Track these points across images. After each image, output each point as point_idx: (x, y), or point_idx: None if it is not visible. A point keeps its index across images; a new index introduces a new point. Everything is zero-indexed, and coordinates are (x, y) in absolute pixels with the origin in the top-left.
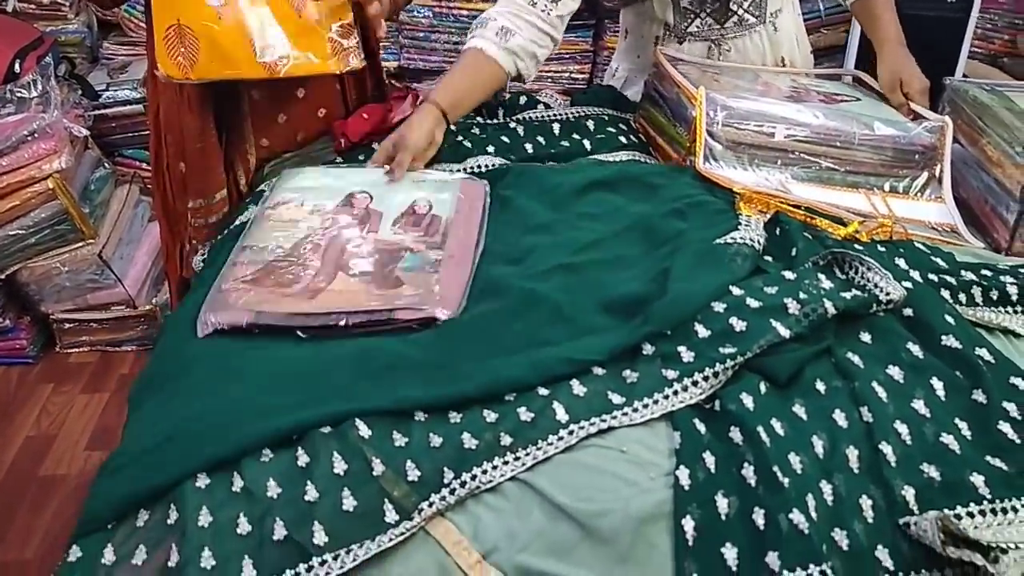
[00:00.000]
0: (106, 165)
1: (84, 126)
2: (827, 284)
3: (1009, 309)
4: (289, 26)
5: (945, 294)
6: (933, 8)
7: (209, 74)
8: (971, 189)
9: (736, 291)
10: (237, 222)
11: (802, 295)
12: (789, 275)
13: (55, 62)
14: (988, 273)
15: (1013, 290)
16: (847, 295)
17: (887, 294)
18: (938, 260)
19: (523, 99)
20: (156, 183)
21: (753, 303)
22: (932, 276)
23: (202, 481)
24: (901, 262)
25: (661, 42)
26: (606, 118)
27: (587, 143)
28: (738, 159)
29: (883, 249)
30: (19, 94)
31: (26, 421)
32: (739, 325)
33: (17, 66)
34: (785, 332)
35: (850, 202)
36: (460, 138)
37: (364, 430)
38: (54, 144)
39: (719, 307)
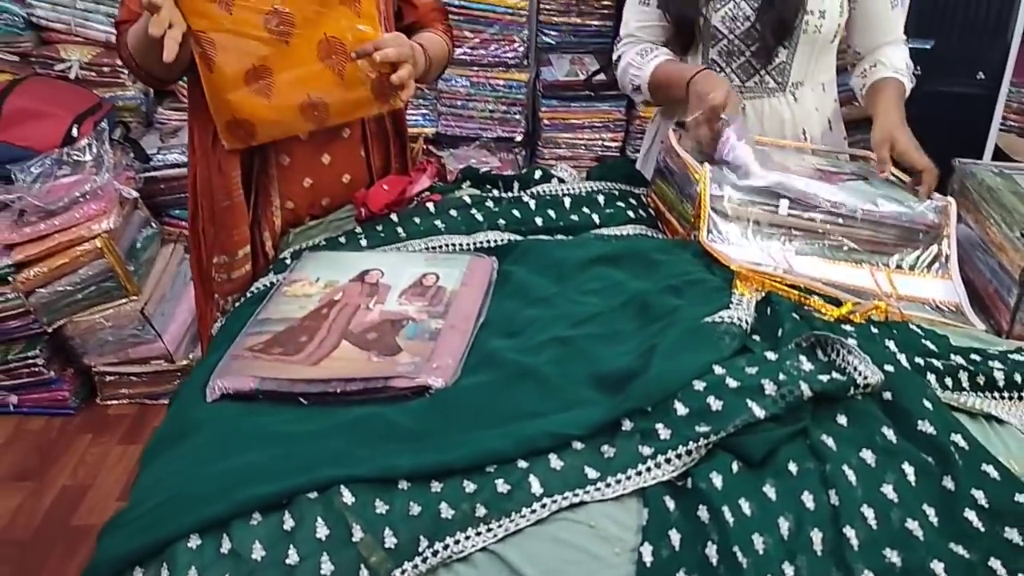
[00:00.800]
0: (153, 225)
1: (135, 188)
2: (807, 366)
3: (996, 394)
4: (333, 88)
5: (931, 378)
6: (963, 84)
7: (267, 139)
8: (977, 270)
9: (718, 370)
10: (256, 288)
11: (781, 376)
12: (771, 356)
13: (111, 126)
14: (977, 358)
15: (1000, 375)
16: (824, 378)
17: (865, 378)
18: (929, 343)
19: (538, 173)
20: (192, 244)
21: (732, 383)
22: (920, 359)
23: (194, 542)
24: (891, 344)
25: None
26: (616, 193)
27: (596, 217)
28: (742, 234)
29: (876, 330)
30: (75, 157)
31: (63, 471)
32: (716, 404)
33: (75, 130)
34: (760, 412)
35: (854, 278)
36: (474, 211)
37: (348, 496)
38: (104, 205)
39: (699, 386)
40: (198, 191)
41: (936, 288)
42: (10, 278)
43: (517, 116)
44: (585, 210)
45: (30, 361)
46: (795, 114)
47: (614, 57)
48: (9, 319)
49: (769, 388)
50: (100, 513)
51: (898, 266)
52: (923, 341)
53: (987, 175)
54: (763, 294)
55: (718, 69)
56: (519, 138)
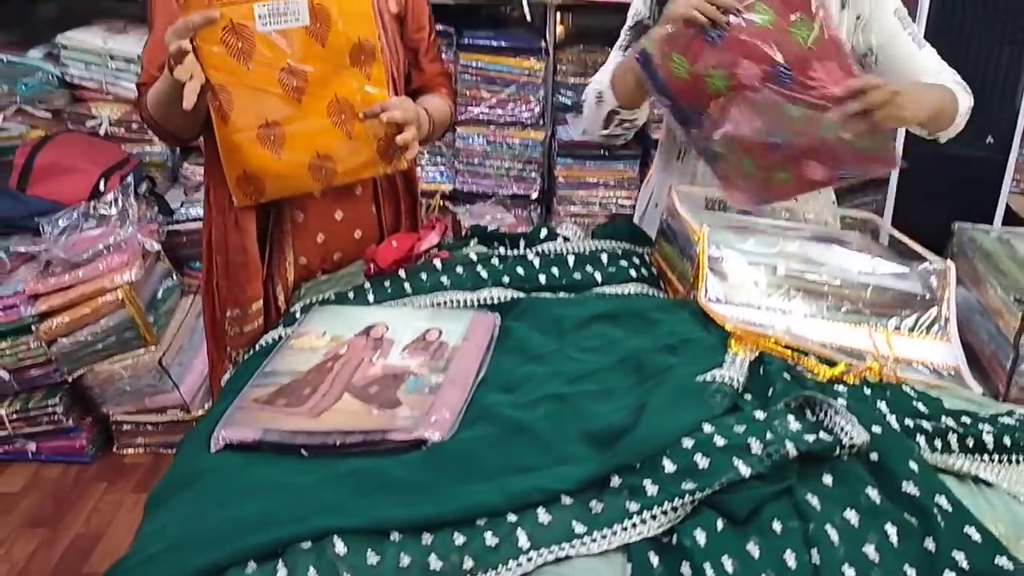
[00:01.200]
0: (174, 277)
1: (157, 240)
2: (794, 426)
3: (985, 457)
4: (341, 147)
5: (921, 439)
6: (973, 148)
7: (275, 196)
8: (975, 334)
9: (707, 428)
10: (265, 341)
11: (768, 435)
12: (760, 415)
13: (137, 181)
14: (967, 420)
15: (989, 438)
16: (811, 438)
17: (851, 439)
18: (920, 405)
19: (544, 232)
20: (205, 298)
21: (720, 441)
22: (910, 421)
23: None
24: (883, 405)
25: (681, 157)
26: (619, 252)
27: (598, 275)
28: (740, 294)
29: (869, 391)
30: (101, 210)
31: (78, 518)
32: (703, 462)
33: (102, 184)
34: (746, 471)
35: (852, 339)
36: (479, 268)
37: (341, 547)
38: (127, 258)
39: (688, 443)
40: (213, 247)
41: (935, 350)
42: (33, 327)
43: (533, 174)
44: (588, 268)
45: (50, 409)
46: None
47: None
48: (31, 368)
49: (756, 447)
50: (111, 561)
51: (896, 328)
52: (915, 403)
53: (985, 239)
54: (757, 354)
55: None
56: (534, 195)
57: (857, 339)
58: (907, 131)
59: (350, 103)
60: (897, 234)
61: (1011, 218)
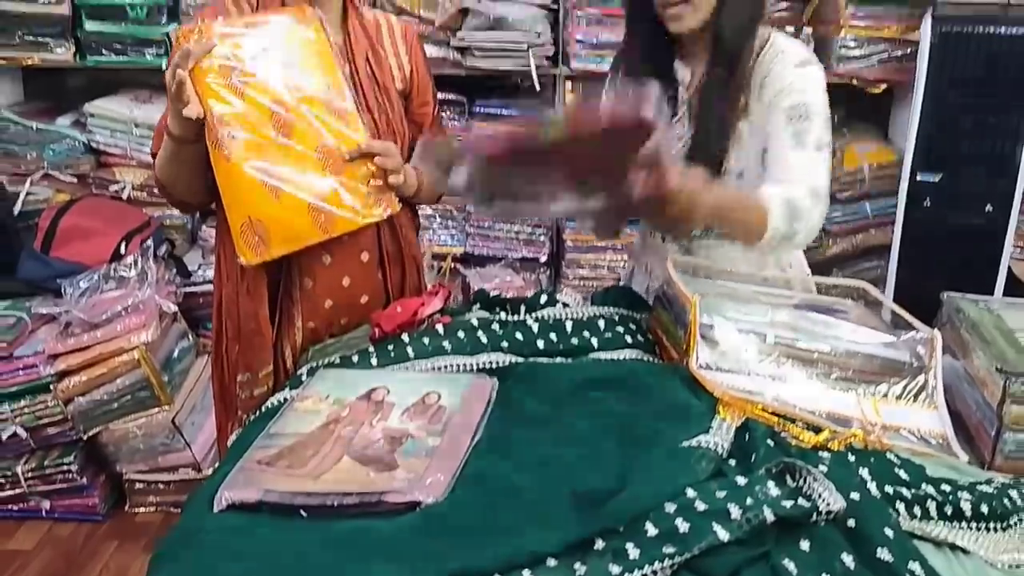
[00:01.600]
0: (190, 337)
1: (174, 302)
2: (774, 491)
3: (963, 524)
4: (333, 189)
5: (900, 506)
6: (972, 216)
7: (281, 249)
8: (964, 402)
9: (690, 493)
10: (271, 403)
11: (748, 501)
12: (741, 480)
13: (156, 244)
14: (947, 488)
15: (967, 506)
16: (789, 504)
17: (827, 505)
18: (902, 472)
19: (544, 298)
20: (215, 363)
21: (701, 506)
22: (890, 488)
23: None
24: (864, 472)
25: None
26: (616, 318)
27: (595, 341)
28: (731, 360)
29: (852, 458)
30: (121, 272)
31: None
32: (683, 526)
33: (123, 247)
34: (724, 536)
35: (840, 405)
36: (480, 333)
37: None
38: (144, 319)
39: (670, 507)
40: (224, 313)
41: (922, 418)
42: (52, 387)
43: (542, 238)
44: (585, 334)
45: (65, 468)
46: (748, 258)
47: None
48: (48, 426)
49: (735, 512)
50: None
51: (884, 395)
52: (896, 470)
53: (972, 309)
54: (743, 420)
55: None
56: (544, 259)
57: (845, 406)
58: (907, 199)
59: (337, 145)
60: (887, 302)
61: (1013, 284)
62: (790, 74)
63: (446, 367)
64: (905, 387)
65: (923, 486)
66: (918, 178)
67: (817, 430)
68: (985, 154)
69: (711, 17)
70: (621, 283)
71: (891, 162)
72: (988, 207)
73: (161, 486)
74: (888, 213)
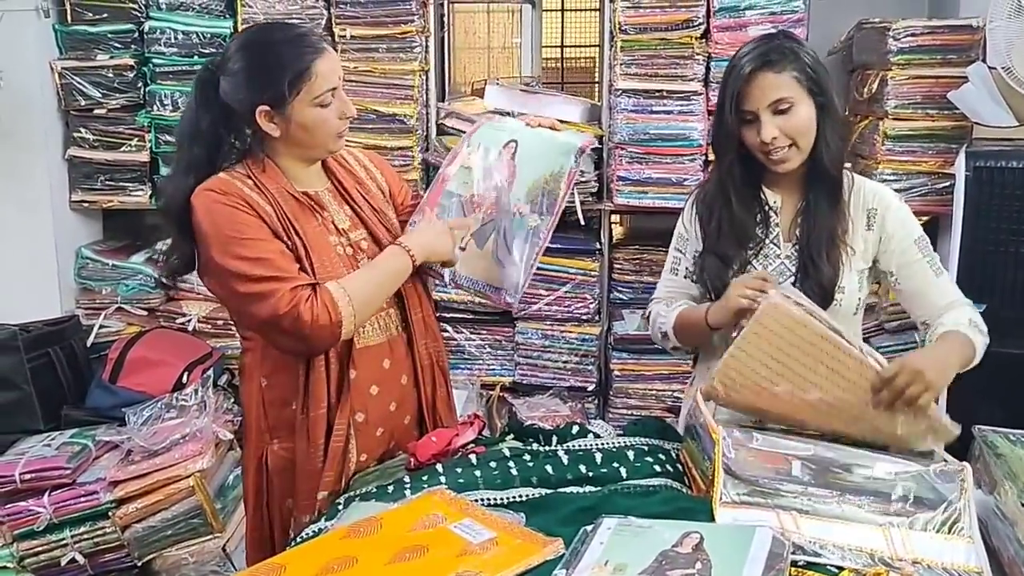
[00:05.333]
0: None
1: (230, 431)
2: None
3: None
4: None
5: None
6: (1018, 346)
7: None
8: (998, 537)
9: None
10: (305, 534)
11: None
12: None
13: (217, 374)
14: None
15: None
16: None
17: None
18: None
19: (575, 428)
20: (253, 517)
21: None
22: None
23: None
24: None
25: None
26: (646, 448)
27: (623, 470)
28: (755, 495)
29: None
30: (182, 402)
31: None
32: None
33: (185, 377)
34: None
35: (868, 539)
36: (511, 464)
37: None
38: (201, 447)
39: None
40: (270, 469)
41: (956, 552)
42: (110, 513)
43: (589, 367)
44: (615, 464)
45: None
46: None
47: (644, 313)
48: (105, 552)
49: None
50: None
51: (911, 527)
52: None
53: (1002, 442)
54: None
55: None
56: (591, 388)
57: (873, 540)
58: None
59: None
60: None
61: None
62: (900, 208)
63: (477, 500)
64: (936, 521)
65: None
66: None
67: (839, 569)
68: None
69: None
70: (682, 414)
71: None
72: None
73: None
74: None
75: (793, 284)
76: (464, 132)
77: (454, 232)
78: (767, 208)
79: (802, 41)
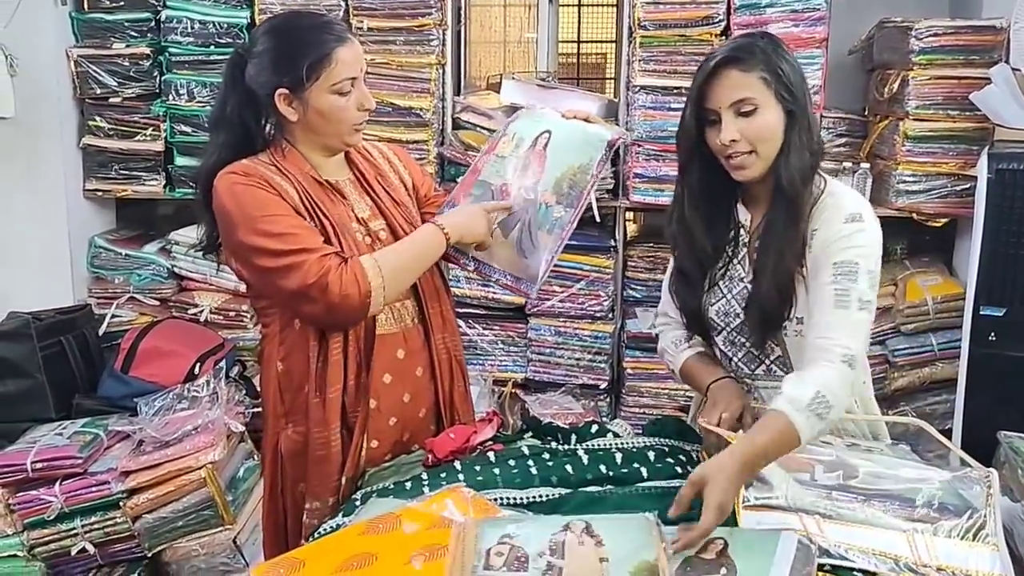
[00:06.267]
0: (255, 457)
1: (242, 422)
2: None
3: None
4: None
5: None
6: None
7: None
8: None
9: None
10: (323, 530)
11: None
12: None
13: (229, 365)
14: None
15: None
16: None
17: None
18: None
19: (595, 428)
20: (268, 507)
21: None
22: None
23: None
24: None
25: None
26: (666, 449)
27: (644, 471)
28: (780, 498)
29: None
30: (193, 393)
31: None
32: None
33: (197, 368)
34: None
35: (892, 545)
36: (530, 463)
37: None
38: (212, 438)
39: None
40: (284, 456)
41: (980, 559)
42: (121, 503)
43: (602, 365)
44: (635, 464)
45: None
46: None
47: (654, 332)
48: (115, 542)
49: None
50: None
51: (935, 534)
52: None
53: None
54: None
55: (727, 358)
56: (603, 386)
57: (897, 545)
58: (972, 333)
59: None
60: (943, 440)
61: None
62: (839, 228)
63: (496, 499)
64: (962, 527)
65: None
66: (982, 312)
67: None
68: None
69: (773, 163)
70: (690, 415)
71: (957, 295)
72: None
73: None
74: (954, 346)
75: (740, 319)
76: (480, 127)
77: (489, 215)
78: (739, 226)
79: (782, 44)
